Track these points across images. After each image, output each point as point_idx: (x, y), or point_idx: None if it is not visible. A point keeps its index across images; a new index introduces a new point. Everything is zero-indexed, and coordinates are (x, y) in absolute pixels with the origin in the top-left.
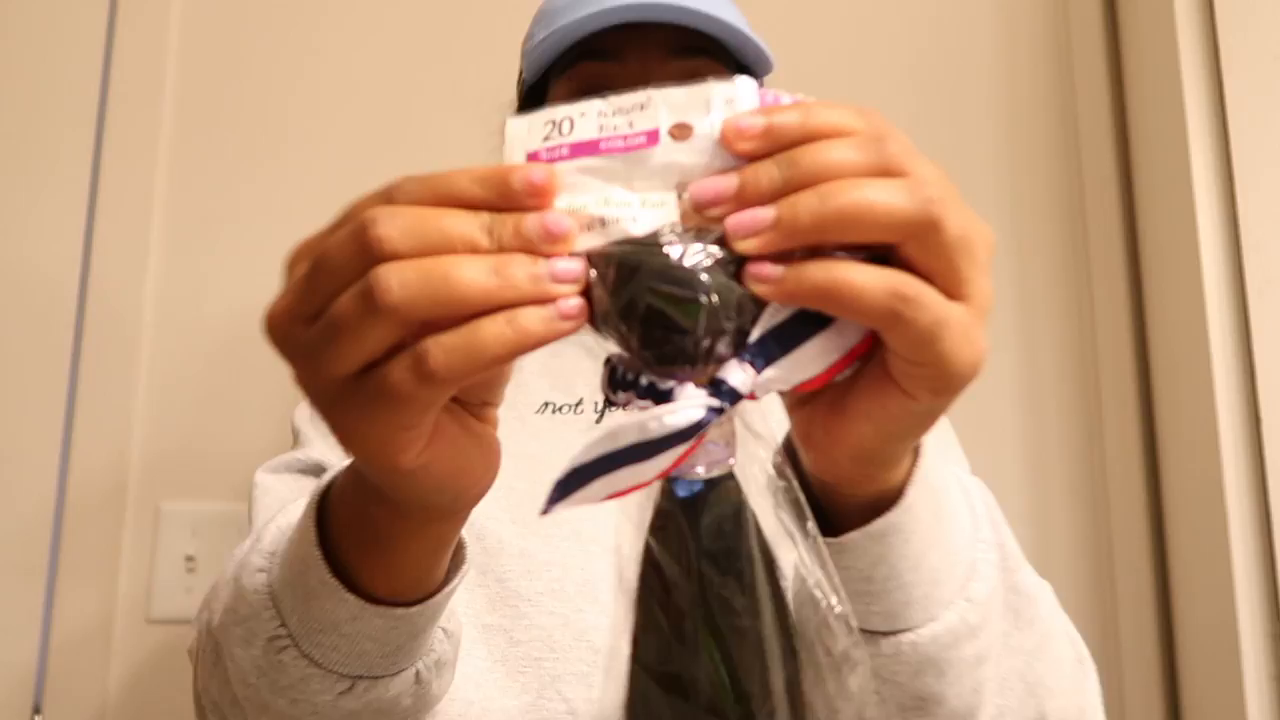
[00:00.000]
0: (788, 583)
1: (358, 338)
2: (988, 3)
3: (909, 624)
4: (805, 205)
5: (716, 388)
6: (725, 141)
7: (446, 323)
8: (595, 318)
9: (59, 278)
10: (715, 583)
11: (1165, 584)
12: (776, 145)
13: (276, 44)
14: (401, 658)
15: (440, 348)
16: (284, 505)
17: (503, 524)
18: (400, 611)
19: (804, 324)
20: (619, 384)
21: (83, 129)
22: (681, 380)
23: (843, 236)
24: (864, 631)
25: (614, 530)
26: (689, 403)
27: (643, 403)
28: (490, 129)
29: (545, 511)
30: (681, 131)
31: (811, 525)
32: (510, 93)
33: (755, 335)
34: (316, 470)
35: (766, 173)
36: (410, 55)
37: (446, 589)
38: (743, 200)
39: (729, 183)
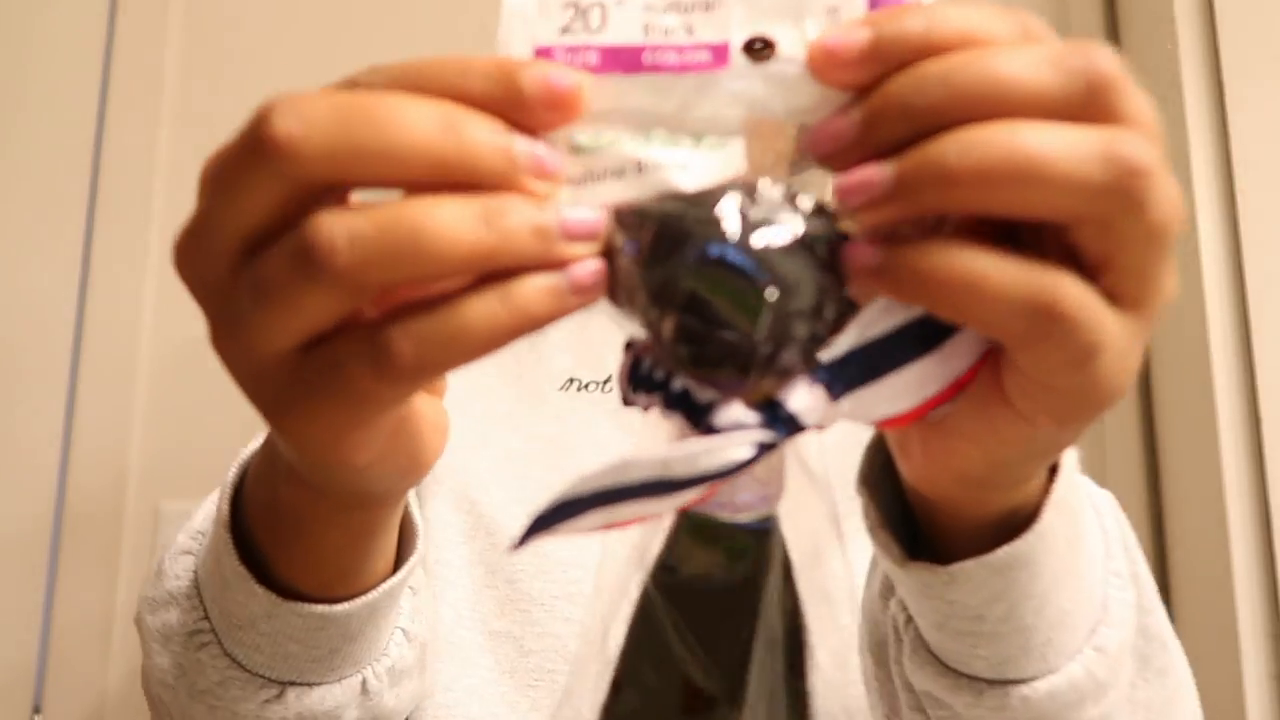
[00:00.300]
0: (819, 675)
1: (294, 309)
2: (987, 3)
3: (1023, 674)
4: (939, 159)
5: (772, 411)
6: (813, 69)
7: (414, 289)
8: (617, 292)
9: (58, 277)
10: (728, 652)
11: (1165, 584)
12: (889, 68)
13: (277, 43)
14: (339, 663)
15: (410, 339)
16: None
17: (515, 517)
18: (323, 610)
19: (908, 342)
20: (642, 382)
21: (83, 127)
22: (726, 392)
23: (985, 207)
24: (964, 677)
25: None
26: (733, 440)
27: (670, 414)
28: None
29: (517, 546)
30: (761, 49)
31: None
32: None
33: (838, 349)
34: None
35: (896, 101)
36: (424, 51)
37: (385, 585)
38: (858, 148)
39: (839, 125)
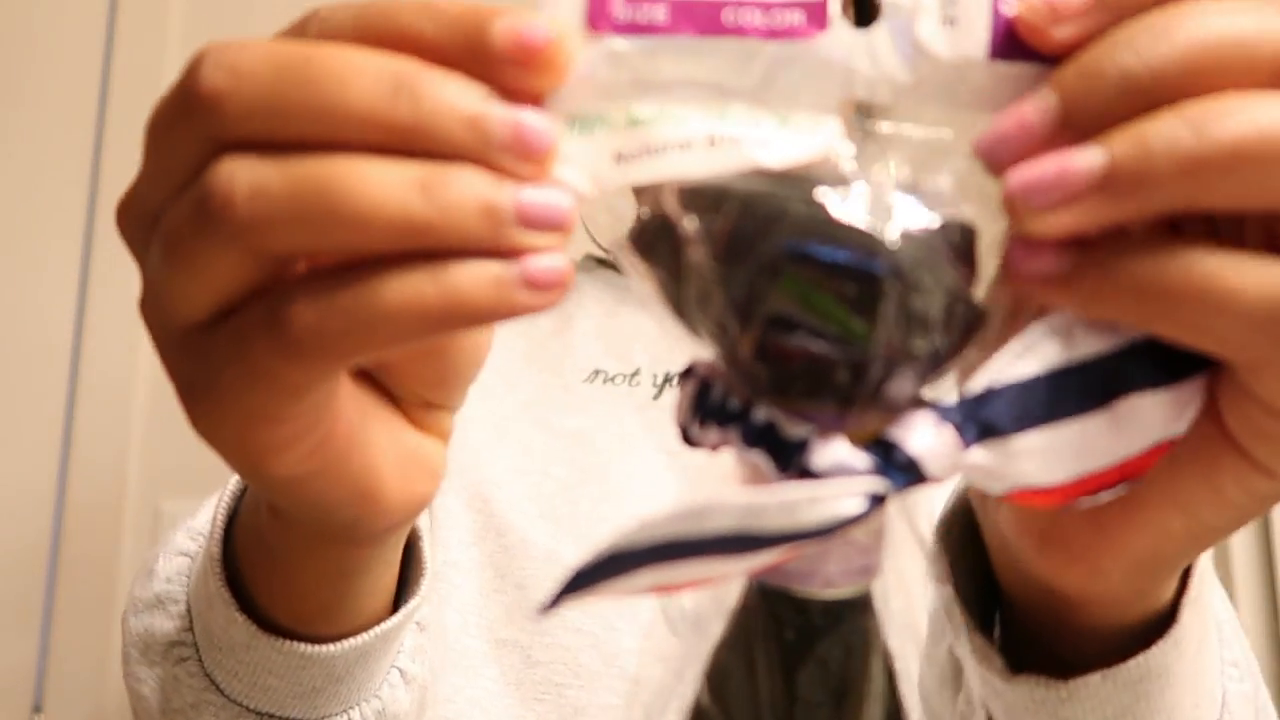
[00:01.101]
0: None
1: (195, 268)
2: None
3: None
4: (1168, 143)
5: (886, 453)
6: (1023, 30)
7: (334, 259)
8: (681, 296)
9: (58, 276)
10: None
11: None
12: (1117, 18)
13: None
14: (323, 702)
15: (313, 308)
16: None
17: (529, 518)
18: (304, 650)
19: (1076, 387)
20: (712, 413)
21: (83, 125)
22: (824, 427)
23: (1232, 202)
24: None
25: None
26: (837, 488)
27: (748, 453)
28: None
29: (548, 609)
30: (864, 8)
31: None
32: None
33: (979, 382)
34: None
35: (1112, 70)
36: None
37: (377, 630)
38: (1059, 129)
39: (1029, 117)
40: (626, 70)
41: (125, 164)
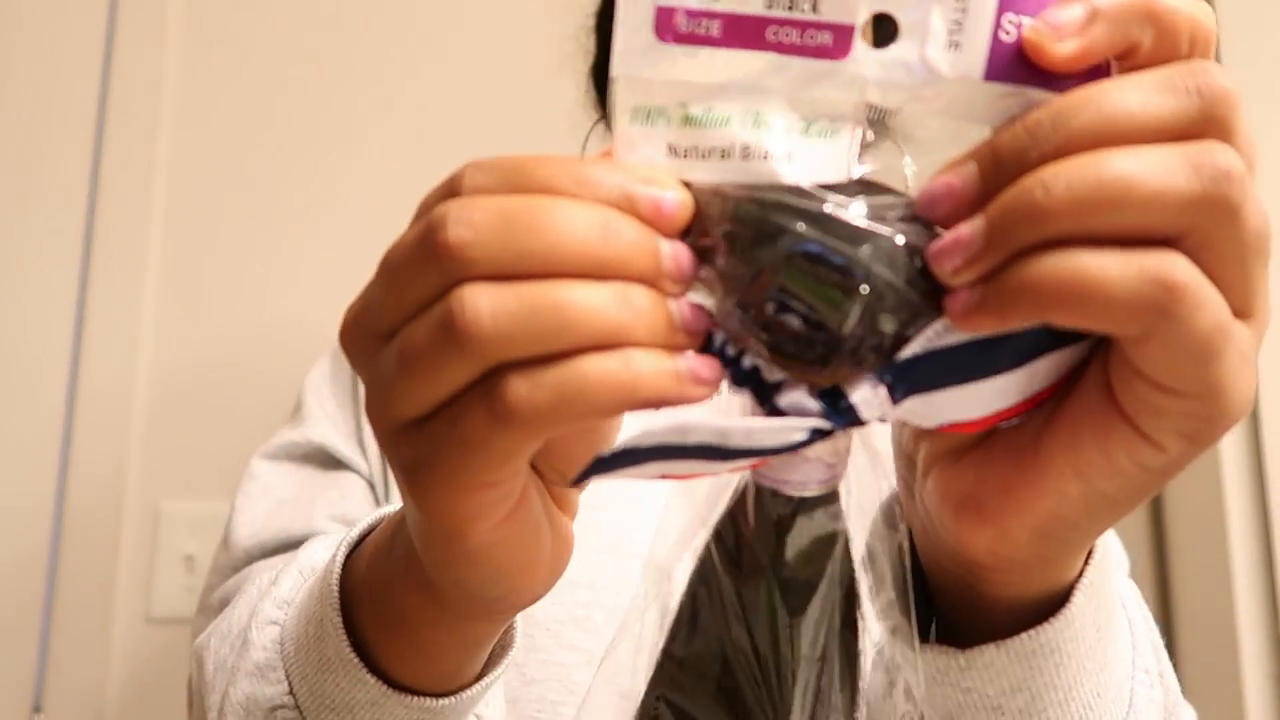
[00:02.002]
0: (869, 645)
1: (434, 375)
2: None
3: None
4: (1026, 198)
5: (833, 401)
6: (1029, 49)
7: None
8: (711, 266)
9: (58, 276)
10: (783, 623)
11: (1165, 584)
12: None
13: (279, 41)
14: None
15: (526, 382)
16: (277, 504)
17: None
18: (428, 703)
19: (984, 355)
20: (713, 355)
21: (82, 124)
22: (796, 376)
23: (1079, 233)
24: None
25: (648, 544)
26: (789, 424)
27: (736, 389)
28: (505, 124)
29: (578, 481)
30: (882, 31)
31: (907, 619)
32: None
33: (909, 351)
34: (318, 455)
35: (1010, 151)
36: (426, 53)
37: (485, 680)
38: (975, 207)
39: (953, 184)
40: (683, 71)
41: (124, 161)
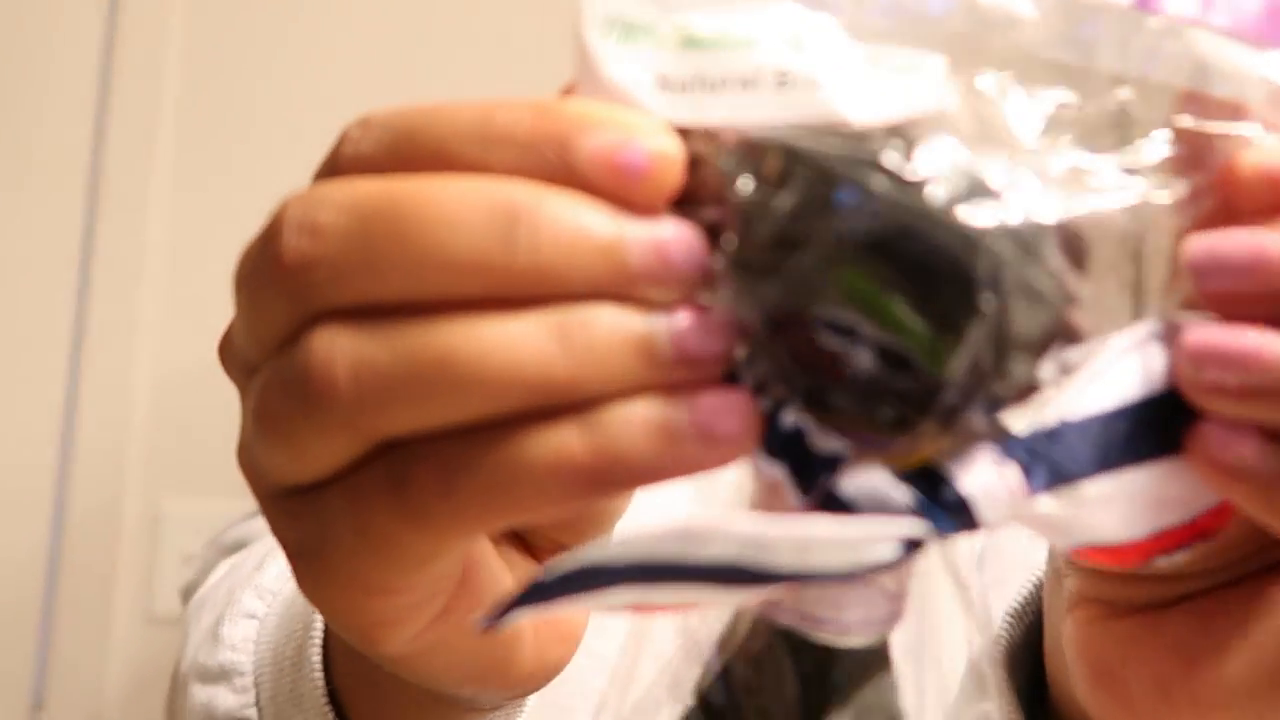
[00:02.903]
0: None
1: (298, 448)
2: None
3: None
4: None
5: (931, 488)
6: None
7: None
8: (727, 261)
9: (58, 274)
10: None
11: None
12: None
13: (284, 35)
14: None
15: (440, 472)
16: None
17: None
18: None
19: (1151, 424)
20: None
21: (81, 122)
22: (864, 446)
23: None
24: None
25: (620, 645)
26: (869, 530)
27: (769, 464)
28: None
29: (493, 623)
30: None
31: None
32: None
33: (1053, 413)
34: None
35: None
36: (427, 52)
37: None
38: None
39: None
40: None
41: (125, 156)
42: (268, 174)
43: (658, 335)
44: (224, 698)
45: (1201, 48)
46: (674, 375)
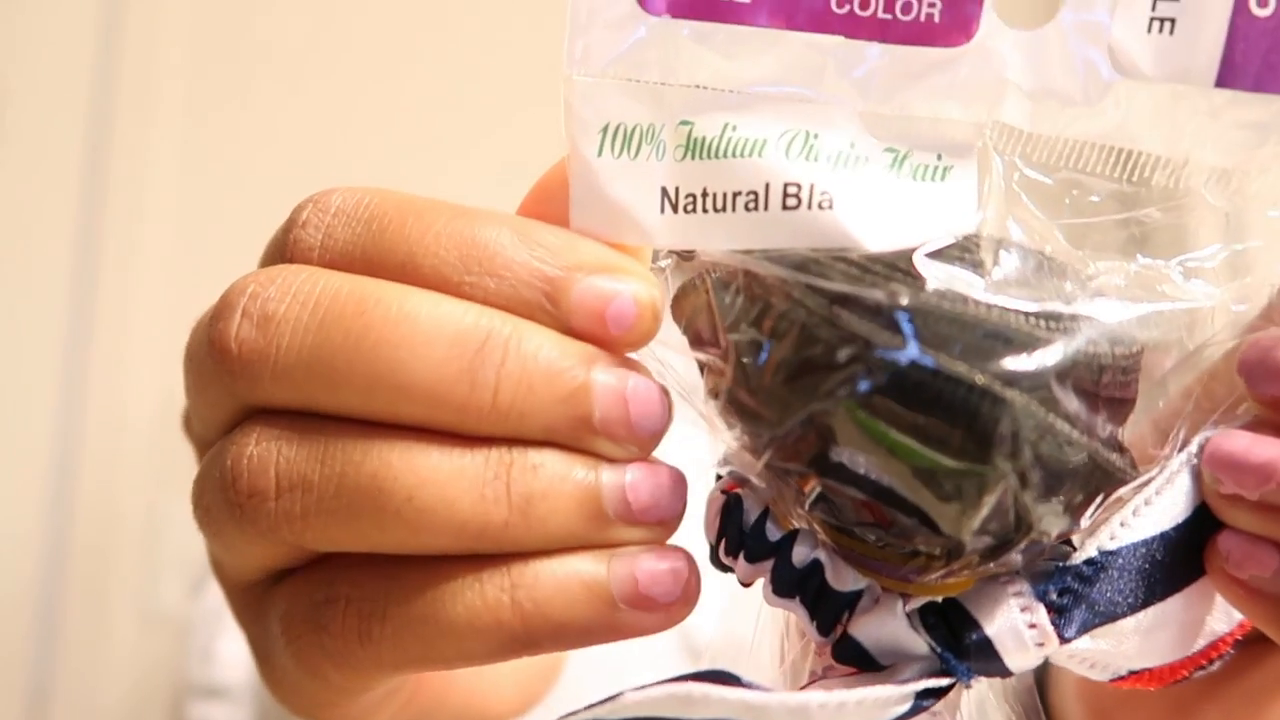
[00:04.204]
0: None
1: (229, 547)
2: None
3: None
4: None
5: (953, 630)
6: None
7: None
8: (731, 395)
9: (57, 273)
10: None
11: None
12: None
13: (287, 40)
14: None
15: (358, 613)
16: None
17: None
18: None
19: (1193, 546)
20: (744, 541)
21: (81, 113)
22: (883, 576)
23: None
24: None
25: None
26: (876, 693)
27: (781, 602)
28: (512, 114)
29: None
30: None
31: None
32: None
33: (1089, 552)
34: None
35: None
36: (429, 51)
37: None
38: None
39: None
40: (686, 66)
41: (125, 158)
42: (270, 172)
43: (607, 491)
44: (221, 714)
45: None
46: (622, 535)
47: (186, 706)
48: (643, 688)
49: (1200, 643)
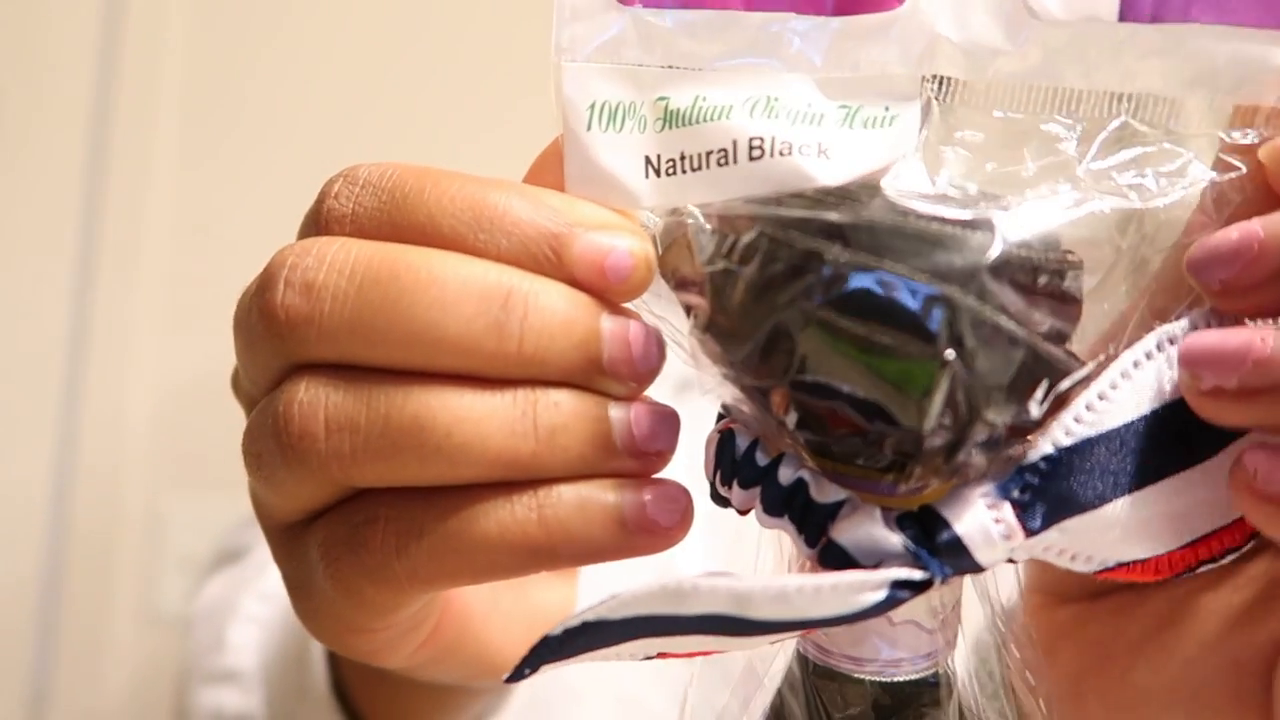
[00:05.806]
0: None
1: (279, 488)
2: None
3: None
4: None
5: (927, 530)
6: (1271, 177)
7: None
8: (716, 334)
9: (56, 272)
10: None
11: None
12: None
13: (286, 36)
14: None
15: (396, 532)
16: None
17: None
18: None
19: (1168, 436)
20: (737, 470)
21: (81, 111)
22: (863, 492)
23: None
24: None
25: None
26: (849, 579)
27: (772, 520)
28: (511, 115)
29: (516, 677)
30: None
31: None
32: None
33: (1049, 446)
34: None
35: None
36: (431, 50)
37: None
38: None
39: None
40: (660, 49)
41: (124, 157)
42: (269, 172)
43: (616, 424)
44: (232, 698)
45: (1195, 46)
46: (626, 464)
47: (194, 694)
48: (634, 589)
49: (1192, 534)
